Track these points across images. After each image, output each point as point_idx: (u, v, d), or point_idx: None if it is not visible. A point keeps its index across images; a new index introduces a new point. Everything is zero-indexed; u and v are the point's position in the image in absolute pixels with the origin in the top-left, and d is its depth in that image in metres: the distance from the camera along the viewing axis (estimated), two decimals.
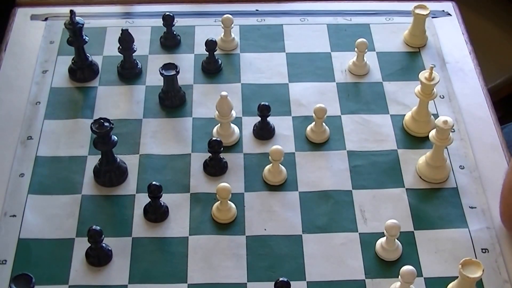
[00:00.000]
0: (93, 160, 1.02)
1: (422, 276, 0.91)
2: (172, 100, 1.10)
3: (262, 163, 1.03)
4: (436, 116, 1.08)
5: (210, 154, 1.01)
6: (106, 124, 0.96)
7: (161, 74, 1.08)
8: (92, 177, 1.01)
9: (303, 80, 1.15)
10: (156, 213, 0.97)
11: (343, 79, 1.16)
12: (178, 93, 1.11)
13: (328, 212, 0.98)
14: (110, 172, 1.00)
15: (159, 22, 1.20)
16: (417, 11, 1.18)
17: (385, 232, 0.92)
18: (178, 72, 1.08)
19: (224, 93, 1.02)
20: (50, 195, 0.99)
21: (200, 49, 1.18)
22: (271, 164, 1.00)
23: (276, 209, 0.98)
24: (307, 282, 0.91)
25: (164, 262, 0.93)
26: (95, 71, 1.15)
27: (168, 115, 1.10)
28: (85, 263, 0.92)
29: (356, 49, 1.15)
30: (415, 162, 1.04)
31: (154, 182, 0.95)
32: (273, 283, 0.86)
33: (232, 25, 1.18)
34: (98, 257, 0.92)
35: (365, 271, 0.92)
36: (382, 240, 0.94)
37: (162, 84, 1.10)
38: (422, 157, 1.03)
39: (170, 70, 1.08)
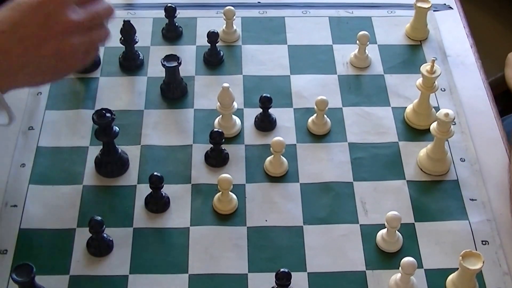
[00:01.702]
0: (94, 151, 1.02)
1: (422, 267, 0.92)
2: (174, 92, 1.10)
3: (264, 155, 1.03)
4: (437, 109, 1.08)
5: (211, 146, 1.02)
6: (108, 115, 0.96)
7: (163, 65, 1.08)
8: (93, 168, 1.01)
9: (304, 73, 1.15)
10: (157, 204, 0.97)
11: (345, 71, 1.16)
12: (180, 84, 1.11)
13: (329, 203, 0.98)
14: (111, 163, 1.00)
15: (161, 13, 1.20)
16: (419, 4, 1.18)
17: (386, 223, 0.92)
18: (179, 64, 1.08)
19: (226, 84, 1.03)
20: (51, 186, 0.99)
21: (202, 40, 1.18)
22: (273, 156, 1.01)
23: (277, 201, 0.98)
24: (307, 273, 0.91)
25: (165, 252, 0.93)
26: (96, 62, 1.15)
27: (169, 106, 1.10)
28: (86, 253, 0.92)
29: (357, 42, 1.15)
30: (416, 154, 1.04)
31: (155, 173, 0.95)
32: (273, 274, 0.86)
33: (234, 17, 1.18)
34: (99, 247, 0.92)
35: (365, 262, 0.92)
36: (382, 231, 0.94)
37: (164, 75, 1.10)
38: (423, 150, 1.03)
39: (172, 61, 1.08)
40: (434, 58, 1.04)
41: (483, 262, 0.85)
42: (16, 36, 0.85)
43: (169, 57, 1.08)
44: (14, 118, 0.93)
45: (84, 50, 0.91)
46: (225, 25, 1.19)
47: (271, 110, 1.06)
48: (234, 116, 1.06)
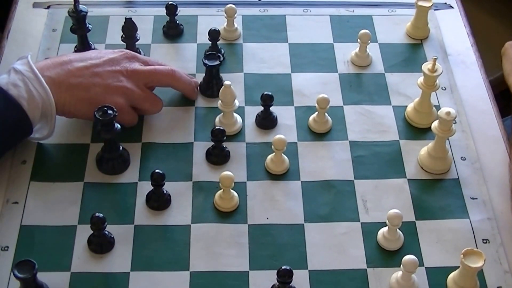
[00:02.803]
0: (96, 148, 1.02)
1: (423, 265, 0.92)
2: (213, 90, 1.10)
3: (265, 153, 1.03)
4: (438, 107, 1.09)
5: (213, 143, 1.02)
6: (110, 111, 0.96)
7: (204, 64, 1.07)
8: (94, 165, 1.01)
9: (305, 71, 1.15)
10: (159, 201, 0.97)
11: (346, 70, 1.16)
12: (219, 82, 1.09)
13: (330, 201, 0.98)
14: (112, 160, 1.00)
15: (162, 11, 1.20)
16: (420, 3, 1.18)
17: (387, 221, 0.92)
18: (221, 62, 1.08)
19: (227, 82, 1.03)
20: (52, 182, 0.99)
21: (203, 38, 1.18)
22: (274, 154, 1.01)
23: (278, 198, 0.99)
24: (309, 271, 0.91)
25: (167, 249, 0.93)
26: None
27: (171, 103, 1.10)
28: (87, 250, 0.92)
29: (358, 40, 1.15)
30: (417, 153, 1.04)
31: (157, 170, 0.95)
32: (275, 271, 0.86)
33: (235, 15, 1.18)
34: (101, 244, 0.92)
35: (366, 260, 0.92)
36: (384, 229, 0.94)
37: None
38: (424, 148, 1.03)
39: (213, 60, 1.07)
40: (435, 57, 1.04)
41: (485, 260, 0.85)
42: (83, 61, 1.02)
43: (210, 56, 1.08)
44: (52, 134, 1.01)
45: (129, 95, 1.02)
46: (226, 23, 1.19)
47: (272, 108, 1.06)
48: (235, 114, 1.06)
